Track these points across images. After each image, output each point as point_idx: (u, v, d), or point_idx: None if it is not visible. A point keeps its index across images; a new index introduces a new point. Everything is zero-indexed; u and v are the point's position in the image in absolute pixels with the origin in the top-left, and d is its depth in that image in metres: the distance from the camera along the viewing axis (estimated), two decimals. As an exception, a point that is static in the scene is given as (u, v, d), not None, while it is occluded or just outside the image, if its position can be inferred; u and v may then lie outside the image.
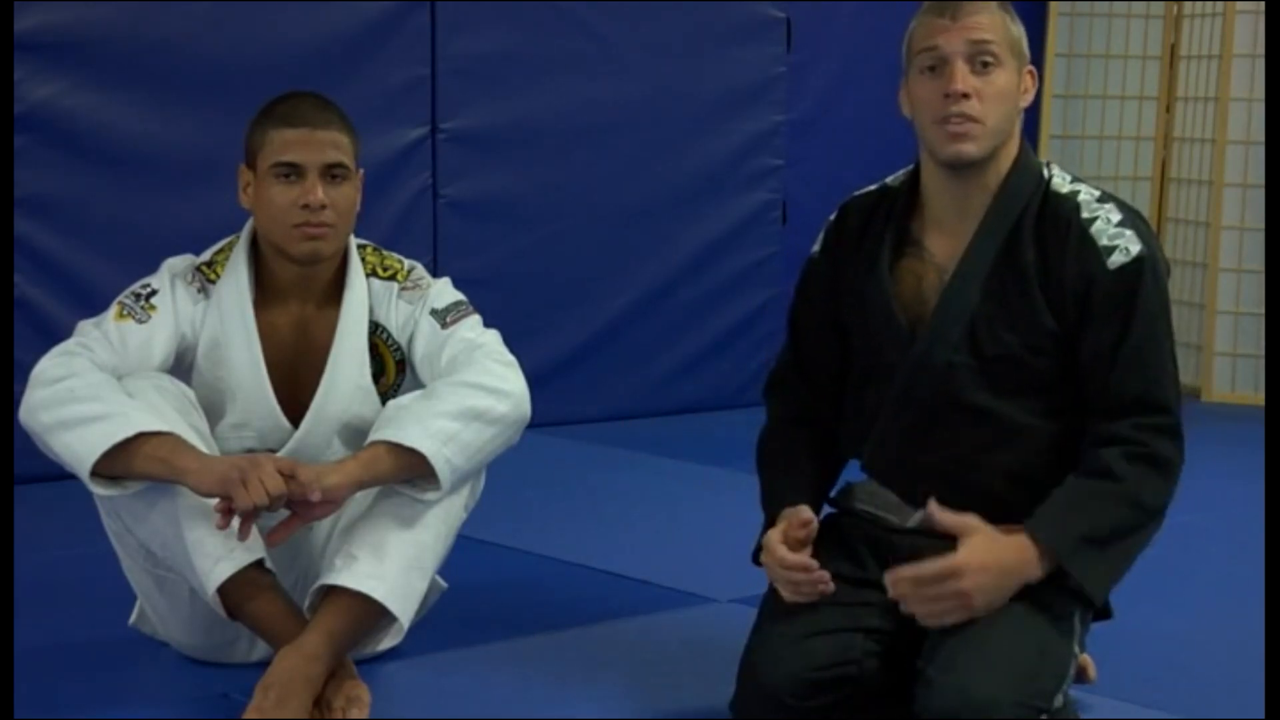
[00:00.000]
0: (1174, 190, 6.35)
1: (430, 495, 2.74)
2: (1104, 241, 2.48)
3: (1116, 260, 2.47)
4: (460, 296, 2.93)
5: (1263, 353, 5.88)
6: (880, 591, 2.55)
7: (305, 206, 2.78)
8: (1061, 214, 2.51)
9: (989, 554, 2.40)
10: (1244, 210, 6.00)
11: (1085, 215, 2.50)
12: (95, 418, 2.63)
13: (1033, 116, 6.32)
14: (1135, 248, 2.47)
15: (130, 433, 2.62)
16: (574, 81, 5.25)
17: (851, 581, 2.55)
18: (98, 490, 2.68)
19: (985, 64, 2.47)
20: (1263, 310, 5.88)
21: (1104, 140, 6.44)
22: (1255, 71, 5.91)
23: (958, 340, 2.51)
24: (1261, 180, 5.85)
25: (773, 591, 2.62)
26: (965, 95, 2.45)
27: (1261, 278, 5.88)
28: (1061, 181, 2.55)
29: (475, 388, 2.77)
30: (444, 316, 2.88)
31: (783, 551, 2.51)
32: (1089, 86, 6.44)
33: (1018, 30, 2.52)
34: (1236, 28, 5.97)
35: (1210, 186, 6.08)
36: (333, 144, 2.81)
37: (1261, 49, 5.81)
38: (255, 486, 2.57)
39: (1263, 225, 5.84)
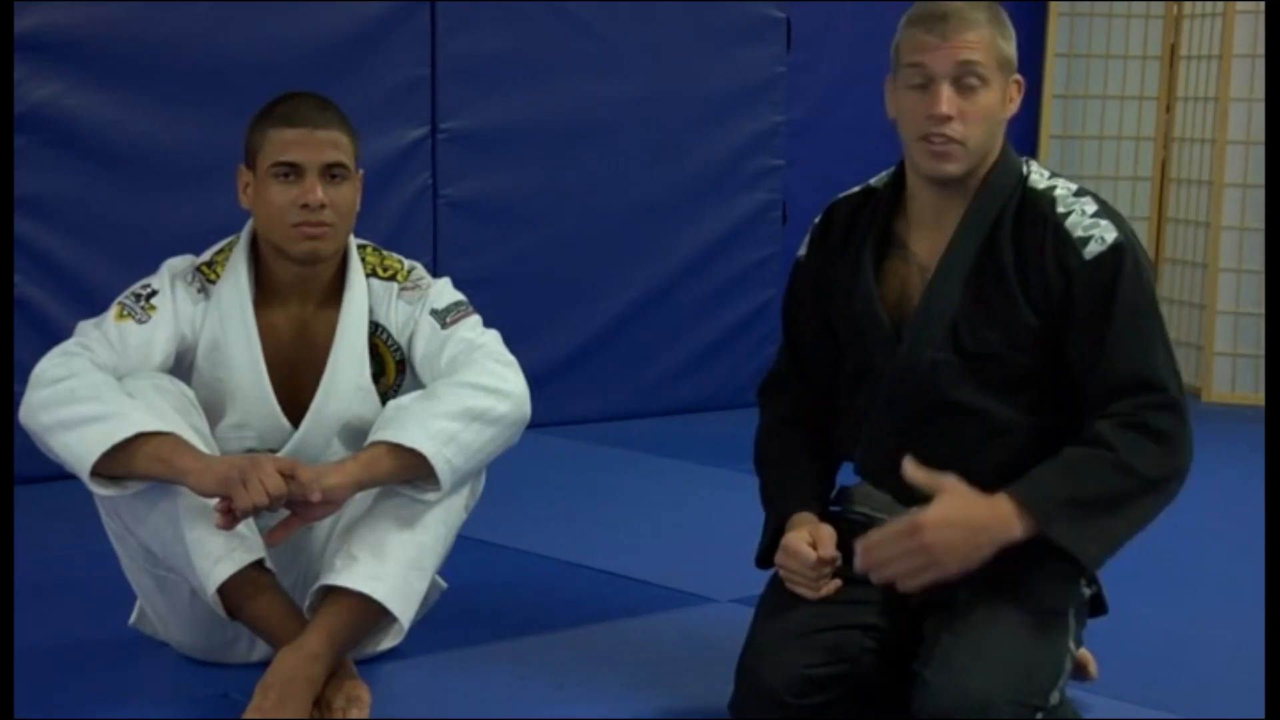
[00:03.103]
0: (1174, 190, 6.34)
1: (430, 495, 2.74)
2: (1079, 233, 2.47)
3: (1093, 250, 2.46)
4: (460, 296, 2.94)
5: (1263, 353, 5.88)
6: (875, 589, 2.55)
7: (304, 206, 2.78)
8: (1038, 210, 2.51)
9: (955, 509, 2.38)
10: (1244, 210, 5.99)
11: (1060, 210, 2.50)
12: (95, 418, 2.64)
13: (1033, 116, 6.31)
14: (1111, 236, 2.47)
15: (130, 433, 2.62)
16: (574, 81, 5.25)
17: (848, 580, 2.55)
18: (98, 490, 2.68)
19: (971, 85, 2.47)
20: (1263, 310, 5.88)
21: (1104, 140, 6.43)
22: (1255, 71, 5.91)
23: (941, 339, 2.52)
24: (1261, 180, 5.84)
25: (770, 590, 2.62)
26: (949, 118, 2.46)
27: (1261, 278, 5.87)
28: (1039, 178, 2.55)
29: (475, 388, 2.77)
30: (444, 316, 2.88)
31: (809, 551, 2.52)
32: (1089, 86, 6.44)
33: (1007, 44, 2.51)
34: (1236, 28, 5.97)
35: (1210, 186, 6.08)
36: (332, 144, 2.81)
37: (1261, 49, 5.80)
38: (255, 486, 2.57)
39: (1263, 225, 5.83)
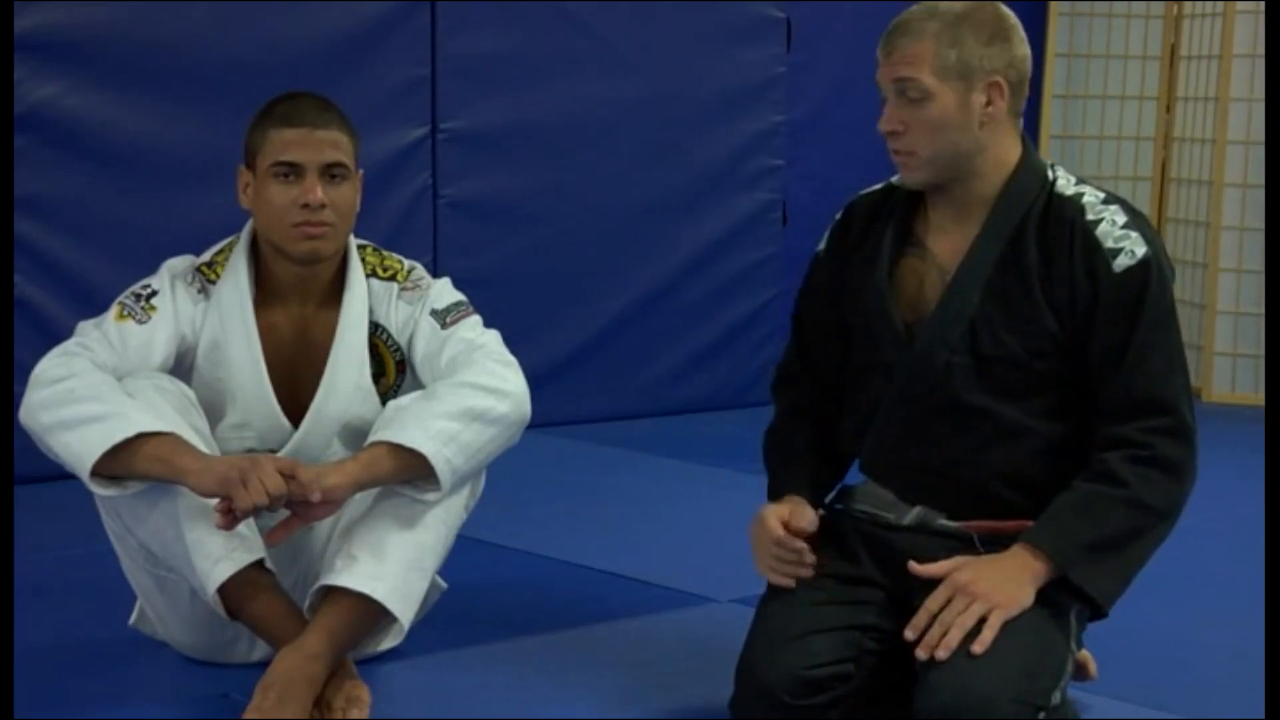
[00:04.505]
0: (1174, 190, 6.35)
1: (430, 496, 2.74)
2: (1109, 244, 2.47)
3: (1122, 263, 2.46)
4: (460, 297, 2.94)
5: (1263, 353, 5.88)
6: (877, 589, 2.55)
7: (305, 206, 2.78)
8: (1065, 216, 2.50)
9: (978, 562, 2.44)
10: (1244, 210, 6.00)
11: (1090, 217, 2.49)
12: (95, 418, 2.63)
13: (1033, 116, 6.31)
14: (1141, 250, 2.47)
15: (130, 433, 2.62)
16: (574, 81, 5.25)
17: (848, 580, 2.55)
18: (98, 490, 2.68)
19: (912, 98, 2.47)
20: (1263, 310, 5.88)
21: (1104, 140, 6.44)
22: (1255, 71, 5.91)
23: (957, 340, 2.52)
24: (1261, 180, 5.84)
25: (771, 590, 2.62)
26: (893, 133, 2.49)
27: (1261, 278, 5.88)
28: (1066, 183, 2.54)
29: (475, 388, 2.77)
30: (444, 317, 2.88)
31: (775, 524, 2.54)
32: (1089, 86, 6.45)
33: (961, 50, 2.45)
34: (1236, 28, 5.97)
35: (1210, 186, 6.08)
36: (332, 144, 2.81)
37: (1261, 49, 5.81)
38: (255, 486, 2.57)
39: (1263, 225, 5.84)
